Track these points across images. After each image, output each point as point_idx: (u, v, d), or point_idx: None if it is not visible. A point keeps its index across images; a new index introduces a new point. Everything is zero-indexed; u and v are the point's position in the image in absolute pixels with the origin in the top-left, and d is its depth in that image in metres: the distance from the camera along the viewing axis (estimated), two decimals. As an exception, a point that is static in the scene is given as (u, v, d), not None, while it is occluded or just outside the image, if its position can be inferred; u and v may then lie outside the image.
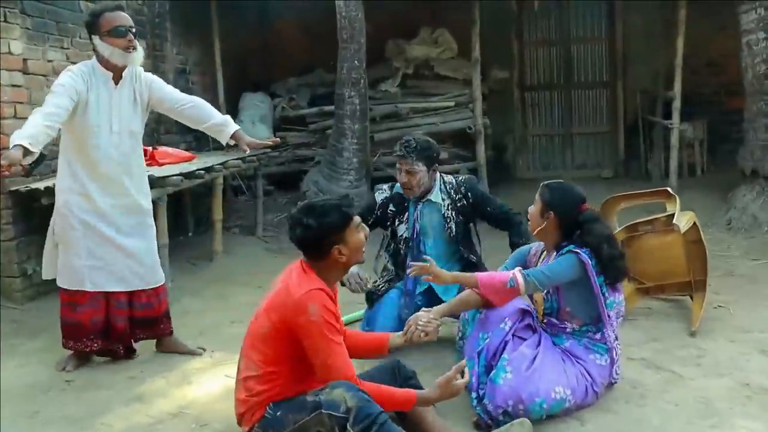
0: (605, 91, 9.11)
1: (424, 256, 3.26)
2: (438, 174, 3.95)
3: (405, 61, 8.33)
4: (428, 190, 3.90)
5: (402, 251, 3.97)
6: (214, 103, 7.88)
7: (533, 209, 3.21)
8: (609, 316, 3.06)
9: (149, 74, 3.87)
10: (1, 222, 4.88)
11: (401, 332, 2.89)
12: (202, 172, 5.46)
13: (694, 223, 4.29)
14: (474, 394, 2.94)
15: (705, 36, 8.13)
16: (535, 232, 3.21)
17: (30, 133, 3.19)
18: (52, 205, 4.81)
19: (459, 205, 3.91)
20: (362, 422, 2.31)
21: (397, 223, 3.97)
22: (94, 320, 3.69)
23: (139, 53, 3.68)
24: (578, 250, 3.01)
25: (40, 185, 4.85)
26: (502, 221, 3.95)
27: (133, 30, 3.68)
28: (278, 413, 2.44)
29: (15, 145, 3.11)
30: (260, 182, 7.28)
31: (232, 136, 3.88)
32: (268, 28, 9.24)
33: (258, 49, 9.22)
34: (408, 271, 3.30)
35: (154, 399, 3.37)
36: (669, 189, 4.63)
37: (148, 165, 5.47)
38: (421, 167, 3.80)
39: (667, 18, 8.06)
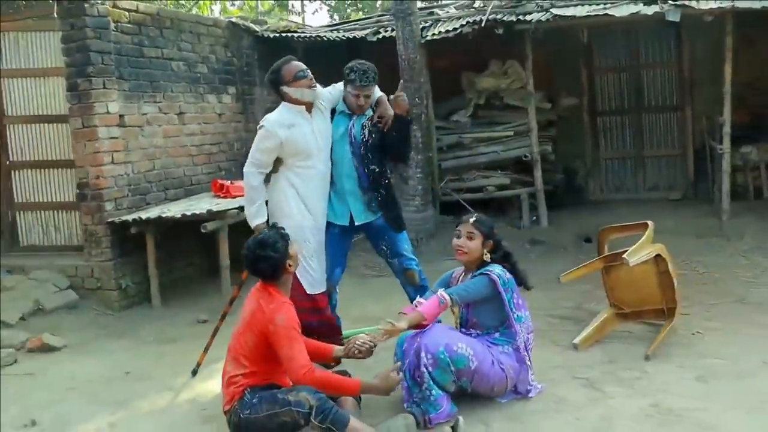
0: (675, 115, 9.29)
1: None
2: None
3: (476, 92, 9.02)
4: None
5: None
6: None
7: (474, 243, 3.87)
8: (517, 330, 3.78)
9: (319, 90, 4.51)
10: (102, 246, 6.18)
11: (343, 347, 3.71)
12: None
13: (659, 255, 4.68)
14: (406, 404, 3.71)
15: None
16: (473, 260, 3.89)
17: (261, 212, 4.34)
18: (140, 233, 6.08)
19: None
20: (321, 414, 3.21)
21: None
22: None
23: (318, 87, 4.40)
24: (488, 272, 3.75)
25: (129, 217, 6.09)
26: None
27: (308, 70, 4.38)
28: (254, 399, 3.33)
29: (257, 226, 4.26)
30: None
31: (376, 103, 4.47)
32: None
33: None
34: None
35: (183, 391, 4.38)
36: (649, 222, 5.00)
37: (223, 197, 6.63)
38: (376, 91, 4.41)
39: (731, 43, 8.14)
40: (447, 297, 3.70)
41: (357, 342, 3.65)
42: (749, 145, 8.17)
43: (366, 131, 4.44)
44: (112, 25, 6.22)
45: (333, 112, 4.51)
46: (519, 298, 3.85)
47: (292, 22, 12.83)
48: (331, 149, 4.46)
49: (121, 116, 6.31)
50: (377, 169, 4.48)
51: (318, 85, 4.40)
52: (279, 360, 3.39)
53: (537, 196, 8.36)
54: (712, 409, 3.61)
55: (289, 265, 3.49)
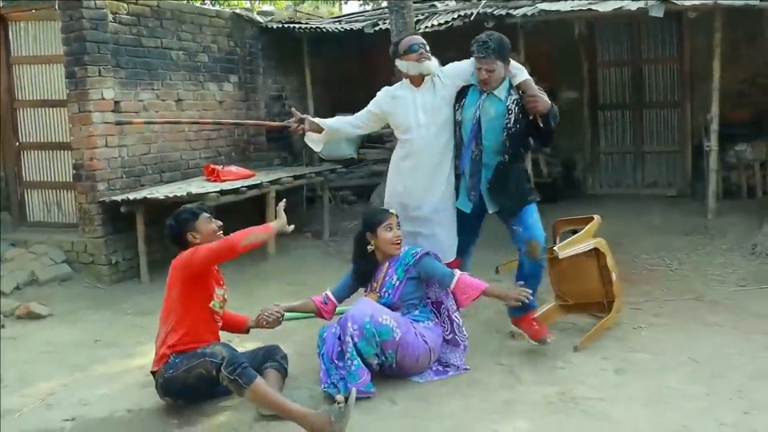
0: (675, 111, 9.27)
1: None
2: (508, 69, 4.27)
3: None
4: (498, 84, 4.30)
5: (456, 135, 4.51)
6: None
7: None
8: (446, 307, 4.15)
9: (445, 68, 4.58)
10: (94, 224, 6.61)
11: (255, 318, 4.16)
12: (245, 188, 6.80)
13: (595, 249, 4.83)
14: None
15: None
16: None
17: (325, 121, 4.79)
18: (131, 212, 6.49)
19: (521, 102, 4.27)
20: (231, 366, 3.50)
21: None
22: None
23: (433, 62, 4.49)
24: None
25: (119, 197, 6.51)
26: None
27: (424, 45, 4.51)
28: (177, 360, 3.68)
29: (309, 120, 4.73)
30: (326, 194, 8.52)
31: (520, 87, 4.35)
32: (365, 56, 10.41)
33: (355, 74, 10.42)
34: None
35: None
36: (595, 216, 5.12)
37: (213, 180, 6.99)
38: (498, 64, 4.22)
39: (731, 38, 8.11)
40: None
41: (265, 313, 4.06)
42: (744, 143, 8.14)
43: (512, 113, 4.32)
44: (110, 16, 6.62)
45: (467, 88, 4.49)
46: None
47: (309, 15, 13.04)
48: (461, 126, 4.48)
49: (116, 102, 6.72)
50: (504, 153, 4.40)
51: (434, 59, 4.48)
52: (206, 288, 3.83)
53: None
54: (612, 400, 3.73)
55: (193, 237, 3.85)
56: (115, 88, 6.71)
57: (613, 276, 4.86)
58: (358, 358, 3.86)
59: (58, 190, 7.22)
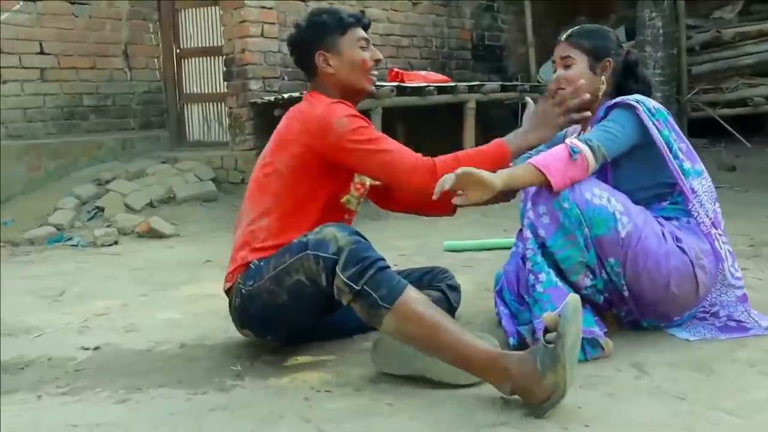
0: None
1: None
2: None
3: (753, -19, 6.73)
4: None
5: None
6: (523, 42, 7.46)
7: (576, 70, 2.15)
8: (693, 189, 2.01)
9: None
10: (245, 132, 5.33)
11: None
12: (432, 89, 5.12)
13: None
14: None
15: None
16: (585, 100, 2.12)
17: None
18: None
19: None
20: (355, 266, 1.81)
21: None
22: None
23: None
24: (624, 101, 2.02)
25: (272, 97, 5.14)
26: None
27: None
28: (261, 264, 2.06)
29: None
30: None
31: None
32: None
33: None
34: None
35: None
36: None
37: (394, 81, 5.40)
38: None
39: None
40: (584, 147, 1.97)
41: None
42: None
43: None
44: None
45: None
46: (681, 141, 2.08)
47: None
48: None
49: (275, -17, 5.38)
50: None
51: None
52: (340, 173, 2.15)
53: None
54: None
55: (326, 61, 2.17)
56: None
57: None
58: (546, 270, 1.97)
59: (218, 104, 6.07)
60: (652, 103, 2.06)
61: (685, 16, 6.42)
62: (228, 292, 2.18)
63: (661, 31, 6.03)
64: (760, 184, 5.48)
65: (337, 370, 2.03)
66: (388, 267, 1.85)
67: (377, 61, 2.24)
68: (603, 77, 2.15)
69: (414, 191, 2.20)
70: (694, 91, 6.47)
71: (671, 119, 2.09)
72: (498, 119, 6.70)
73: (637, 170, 2.07)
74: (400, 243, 3.89)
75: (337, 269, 1.83)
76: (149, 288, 3.22)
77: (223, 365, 2.12)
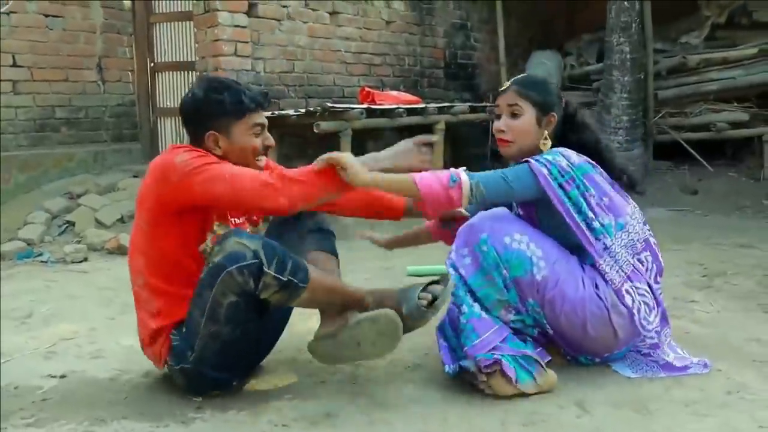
0: None
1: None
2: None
3: (718, 9, 6.95)
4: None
5: None
6: (495, 61, 7.59)
7: (522, 121, 2.24)
8: (606, 246, 2.11)
9: None
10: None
11: None
12: (402, 111, 5.22)
13: None
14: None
15: None
16: (525, 150, 2.24)
17: None
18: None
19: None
20: (275, 260, 1.95)
21: None
22: None
23: None
24: (533, 159, 2.13)
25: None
26: None
27: None
28: (183, 329, 2.10)
29: None
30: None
31: None
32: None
33: (558, 6, 8.53)
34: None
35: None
36: None
37: (368, 103, 5.50)
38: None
39: None
40: (466, 180, 2.05)
41: None
42: None
43: None
44: None
45: None
46: (603, 195, 2.16)
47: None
48: None
49: (252, 5, 5.43)
50: None
51: None
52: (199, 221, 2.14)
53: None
54: None
55: (215, 142, 2.16)
56: (255, -14, 5.43)
57: None
58: (475, 304, 2.09)
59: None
60: (573, 160, 2.12)
61: (653, 41, 6.59)
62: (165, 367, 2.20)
63: (628, 57, 6.20)
64: (720, 209, 5.67)
65: (293, 404, 2.10)
66: (293, 255, 2.02)
67: (268, 147, 2.24)
68: (546, 131, 2.25)
69: (267, 213, 2.22)
70: (660, 115, 6.64)
71: (595, 173, 2.15)
72: (469, 138, 6.83)
73: (553, 222, 2.16)
74: (367, 265, 3.97)
75: (264, 269, 1.93)
76: (116, 310, 3.26)
77: (184, 396, 2.18)
